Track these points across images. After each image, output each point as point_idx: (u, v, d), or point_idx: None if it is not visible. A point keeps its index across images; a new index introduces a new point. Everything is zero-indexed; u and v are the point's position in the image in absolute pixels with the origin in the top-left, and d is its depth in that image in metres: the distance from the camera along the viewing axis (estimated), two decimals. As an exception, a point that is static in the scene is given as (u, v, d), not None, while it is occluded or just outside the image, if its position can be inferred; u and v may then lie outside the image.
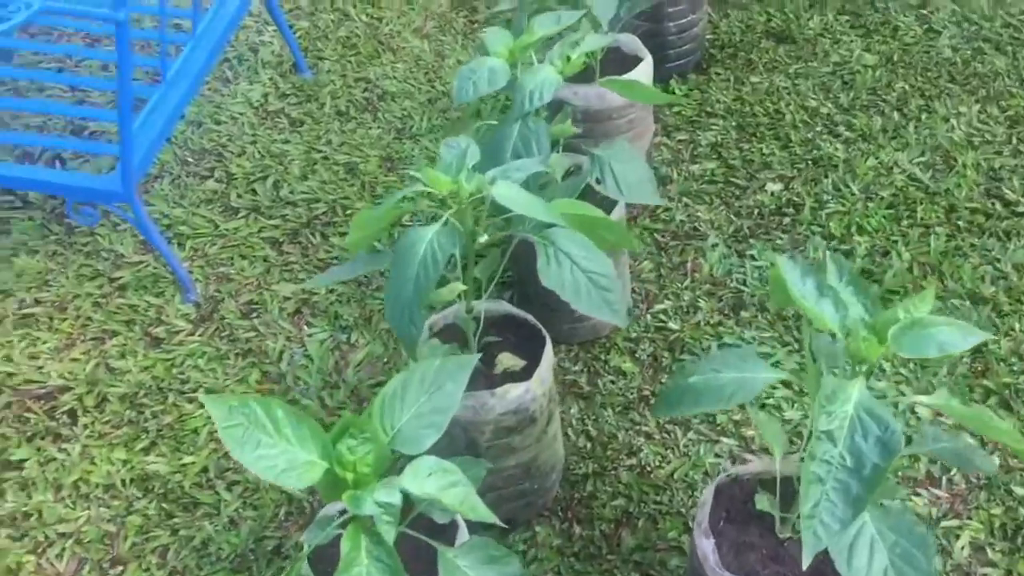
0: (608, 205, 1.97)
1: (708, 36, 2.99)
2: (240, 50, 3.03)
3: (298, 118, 2.79)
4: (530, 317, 1.83)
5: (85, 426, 2.05)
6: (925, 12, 3.02)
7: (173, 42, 2.47)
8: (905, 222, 2.41)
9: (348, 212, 2.51)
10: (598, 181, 1.87)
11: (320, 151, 2.68)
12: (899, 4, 3.05)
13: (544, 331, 1.79)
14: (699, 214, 2.47)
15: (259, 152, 2.67)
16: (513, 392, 1.69)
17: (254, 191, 2.57)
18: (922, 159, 2.57)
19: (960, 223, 2.40)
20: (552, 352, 1.78)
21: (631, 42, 2.44)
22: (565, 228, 1.56)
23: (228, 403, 1.23)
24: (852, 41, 2.94)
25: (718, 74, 2.87)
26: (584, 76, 2.31)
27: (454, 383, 1.35)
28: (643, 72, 2.35)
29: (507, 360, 1.76)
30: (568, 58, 1.89)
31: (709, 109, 2.76)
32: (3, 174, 2.17)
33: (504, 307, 1.84)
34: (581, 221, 1.59)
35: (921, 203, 2.45)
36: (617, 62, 2.43)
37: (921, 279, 2.28)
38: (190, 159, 2.67)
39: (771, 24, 3.02)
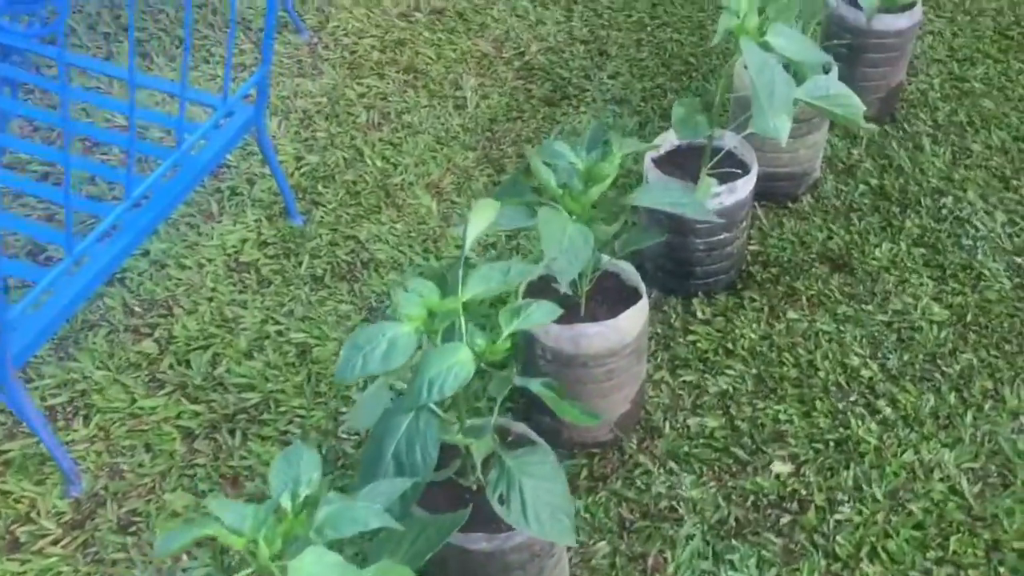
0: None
1: (752, 247, 2.57)
2: (236, 181, 2.76)
3: (267, 276, 2.49)
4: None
5: None
6: (1020, 261, 2.52)
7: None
8: (932, 552, 1.93)
9: (281, 409, 2.18)
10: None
11: (277, 323, 2.37)
12: (990, 245, 2.56)
13: None
14: (682, 489, 2.04)
15: (211, 313, 2.38)
16: None
17: (188, 363, 2.27)
18: (973, 465, 2.08)
19: (1001, 569, 1.90)
20: None
21: (630, 272, 2.05)
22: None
23: None
24: (922, 284, 2.46)
25: (752, 300, 2.44)
26: (567, 307, 1.95)
27: None
28: (633, 317, 1.95)
29: None
30: (494, 341, 1.52)
31: (729, 346, 2.33)
32: None
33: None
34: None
35: (959, 529, 1.96)
36: (612, 291, 2.05)
37: (935, 643, 1.80)
38: (137, 308, 2.40)
39: (830, 245, 2.58)
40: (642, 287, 2.02)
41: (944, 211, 2.66)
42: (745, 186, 2.29)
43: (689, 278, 2.41)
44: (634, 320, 1.95)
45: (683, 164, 2.36)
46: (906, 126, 2.94)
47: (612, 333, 1.93)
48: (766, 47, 2.02)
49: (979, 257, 2.53)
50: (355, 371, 1.45)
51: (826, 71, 2.59)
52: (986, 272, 2.48)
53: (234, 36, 2.28)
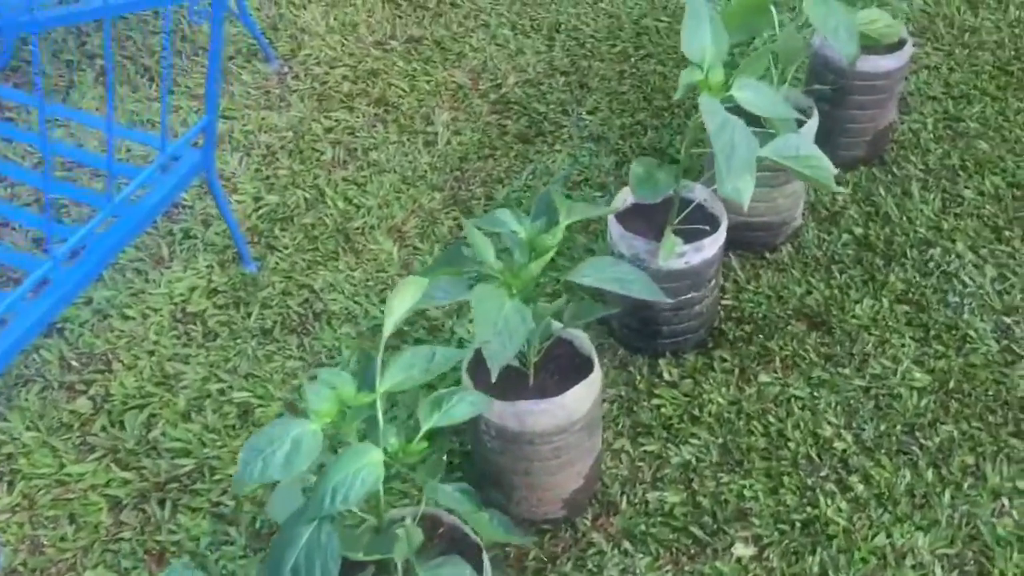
0: None
1: (726, 301, 2.43)
2: (191, 223, 2.65)
3: (214, 328, 2.38)
4: None
5: None
6: (1008, 322, 2.38)
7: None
8: (901, 652, 1.80)
9: (216, 478, 2.06)
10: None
11: (220, 380, 2.26)
12: (977, 303, 2.42)
13: None
14: (636, 573, 1.91)
15: (151, 369, 2.27)
16: None
17: (122, 424, 2.16)
18: (948, 551, 1.94)
19: (976, 673, 1.77)
20: None
21: (583, 341, 1.93)
22: None
23: None
24: (903, 346, 2.32)
25: (723, 361, 2.30)
26: (515, 380, 1.84)
27: None
28: (582, 393, 1.83)
29: None
30: (408, 441, 1.39)
31: (696, 412, 2.19)
32: None
33: None
34: None
35: (930, 626, 1.83)
36: (565, 360, 1.93)
37: None
38: (75, 362, 2.29)
39: (808, 300, 2.44)
40: (595, 357, 1.89)
41: (931, 264, 2.52)
42: (713, 244, 2.15)
43: (656, 337, 2.28)
44: (583, 396, 1.83)
45: (650, 216, 2.22)
46: (895, 169, 2.80)
47: (559, 410, 1.81)
48: (731, 101, 1.90)
49: (965, 316, 2.38)
50: (254, 477, 1.33)
51: (807, 116, 2.47)
52: (972, 333, 2.34)
53: (170, 75, 2.17)
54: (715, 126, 1.76)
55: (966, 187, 2.74)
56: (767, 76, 2.57)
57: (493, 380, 1.54)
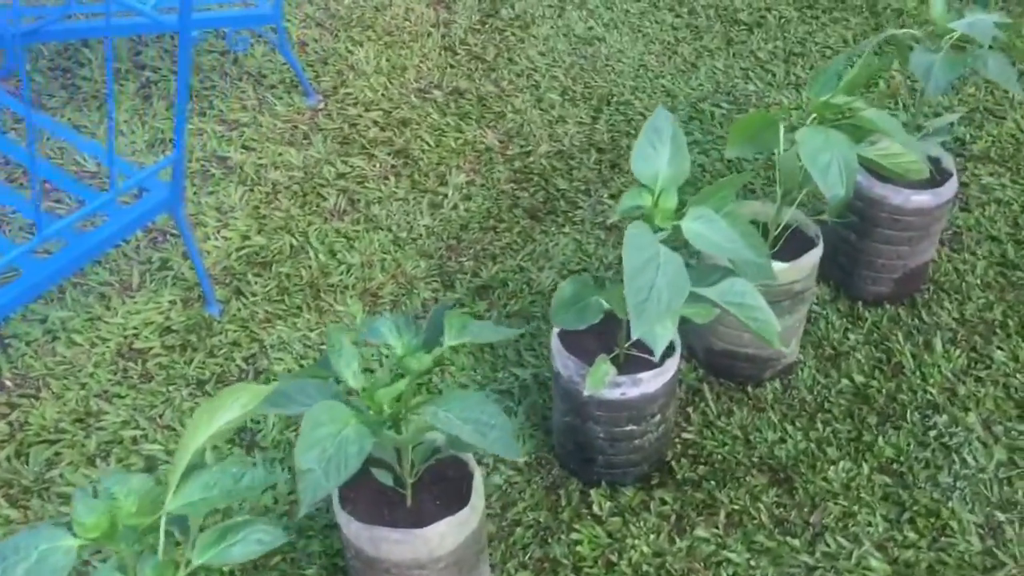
0: None
1: (688, 434, 2.21)
2: (171, 253, 2.61)
3: (152, 370, 2.32)
4: None
5: None
6: (1001, 519, 2.06)
7: None
8: None
9: (96, 532, 1.99)
10: None
11: (138, 427, 2.19)
12: (972, 489, 2.10)
13: None
14: None
15: (76, 403, 2.23)
16: None
17: (27, 458, 2.12)
18: None
19: None
20: None
21: (472, 467, 1.76)
22: None
23: None
24: (870, 524, 2.04)
25: (661, 503, 2.08)
26: (396, 497, 1.69)
27: None
28: (449, 529, 1.66)
29: None
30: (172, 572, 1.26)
31: (613, 558, 1.98)
32: None
33: None
34: None
35: None
36: (454, 484, 1.76)
37: None
38: (8, 382, 2.27)
39: (777, 451, 2.18)
40: (476, 489, 1.72)
41: (931, 433, 2.22)
42: (655, 379, 1.94)
43: (591, 464, 2.08)
44: (448, 533, 1.66)
45: (602, 334, 2.02)
46: (924, 314, 2.50)
47: (420, 544, 1.64)
48: (677, 233, 1.70)
49: (953, 503, 2.08)
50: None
51: (814, 243, 2.22)
52: (955, 524, 2.04)
53: (112, 85, 2.11)
54: (635, 264, 1.56)
55: (1000, 348, 2.42)
56: (770, 198, 2.34)
57: (300, 515, 1.40)
